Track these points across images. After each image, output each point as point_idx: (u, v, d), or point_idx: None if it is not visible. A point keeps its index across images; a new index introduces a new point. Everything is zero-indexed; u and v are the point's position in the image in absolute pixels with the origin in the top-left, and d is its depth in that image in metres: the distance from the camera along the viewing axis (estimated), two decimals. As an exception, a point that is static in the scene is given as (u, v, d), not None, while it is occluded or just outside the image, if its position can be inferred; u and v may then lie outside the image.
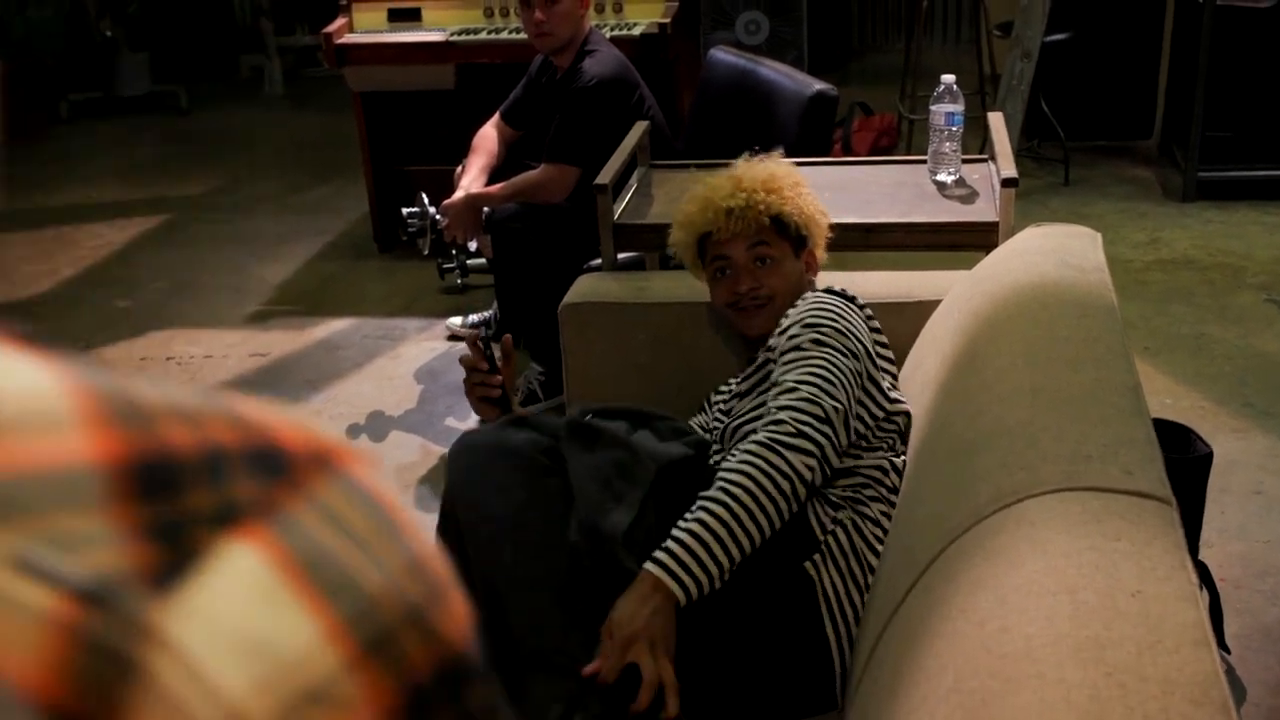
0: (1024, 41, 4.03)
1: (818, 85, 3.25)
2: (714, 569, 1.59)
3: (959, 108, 2.45)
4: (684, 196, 2.09)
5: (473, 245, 3.57)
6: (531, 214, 3.26)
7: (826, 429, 1.66)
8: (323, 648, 0.32)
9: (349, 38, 4.22)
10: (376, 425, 3.38)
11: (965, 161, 2.53)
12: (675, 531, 1.62)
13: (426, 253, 3.50)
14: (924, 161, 2.58)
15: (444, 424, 3.38)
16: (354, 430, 3.36)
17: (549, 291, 3.19)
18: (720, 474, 1.65)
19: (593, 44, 3.33)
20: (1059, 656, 1.07)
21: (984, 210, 2.36)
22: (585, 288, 2.32)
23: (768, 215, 1.99)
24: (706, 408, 2.14)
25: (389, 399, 3.51)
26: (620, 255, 3.15)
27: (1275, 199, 4.46)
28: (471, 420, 3.29)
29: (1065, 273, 1.86)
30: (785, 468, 1.62)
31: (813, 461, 1.64)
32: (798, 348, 1.77)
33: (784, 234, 2.02)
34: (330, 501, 0.35)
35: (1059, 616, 1.12)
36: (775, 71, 3.50)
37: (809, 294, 1.93)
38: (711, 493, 1.63)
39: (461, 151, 4.26)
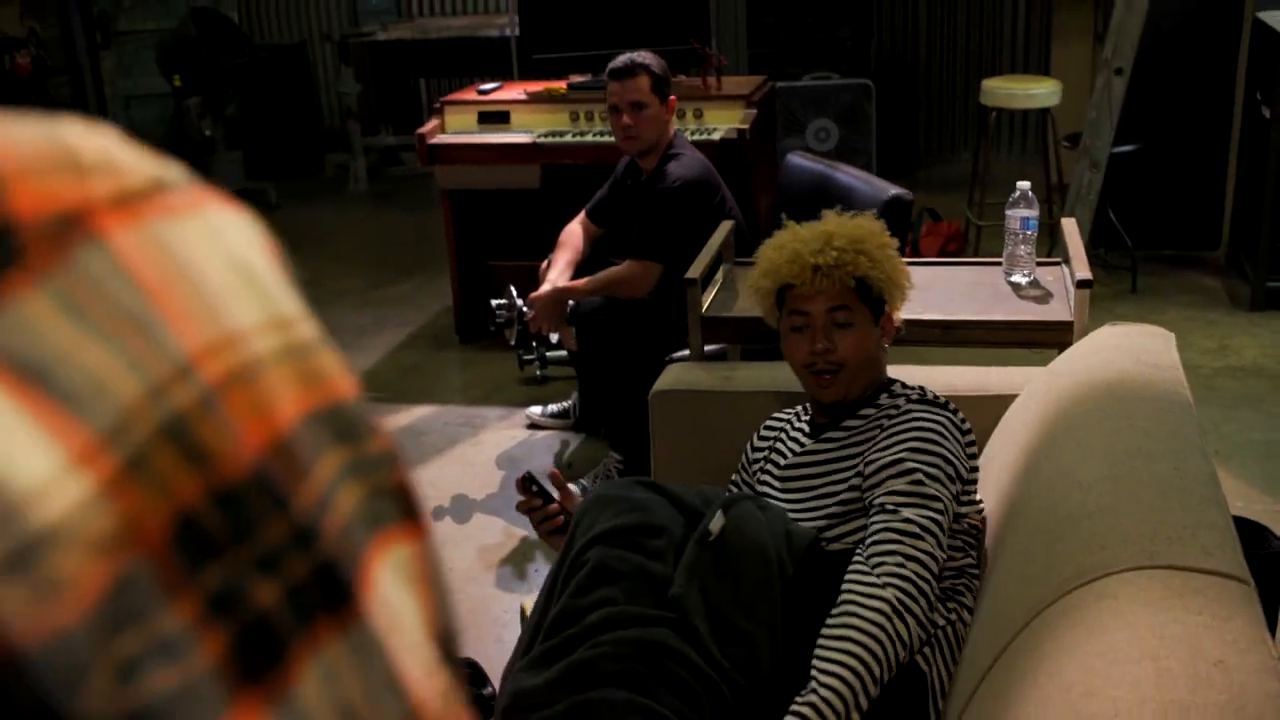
0: (1092, 152, 4.14)
1: (894, 190, 3.38)
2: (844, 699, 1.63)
3: (1034, 213, 2.56)
4: (771, 241, 2.10)
5: (554, 337, 3.70)
6: (615, 308, 3.39)
7: (933, 583, 1.72)
8: (66, 474, 0.26)
9: (440, 138, 4.43)
10: (460, 508, 3.49)
11: (1039, 264, 2.63)
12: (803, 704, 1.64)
13: (513, 343, 3.64)
14: (998, 264, 2.69)
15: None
16: (439, 513, 3.47)
17: (630, 382, 3.32)
18: (848, 635, 1.65)
19: (677, 147, 3.49)
20: (1144, 718, 1.15)
21: (1058, 310, 2.45)
22: (674, 376, 2.43)
23: (854, 276, 1.98)
24: (745, 465, 2.17)
25: (471, 483, 3.63)
26: (706, 347, 3.28)
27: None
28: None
29: (1141, 370, 1.94)
30: (906, 636, 1.66)
31: (923, 625, 1.69)
32: (917, 484, 1.77)
33: (865, 298, 2.01)
34: (71, 287, 0.28)
35: (1144, 682, 1.19)
36: (851, 176, 3.63)
37: (914, 403, 1.93)
38: (838, 659, 1.64)
39: (545, 248, 4.43)
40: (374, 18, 7.36)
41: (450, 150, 4.39)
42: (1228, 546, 1.45)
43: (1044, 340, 2.39)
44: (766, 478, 2.08)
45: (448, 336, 4.78)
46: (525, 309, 3.51)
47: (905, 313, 2.14)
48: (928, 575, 1.70)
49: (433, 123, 4.50)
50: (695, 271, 2.58)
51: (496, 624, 2.94)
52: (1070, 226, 2.65)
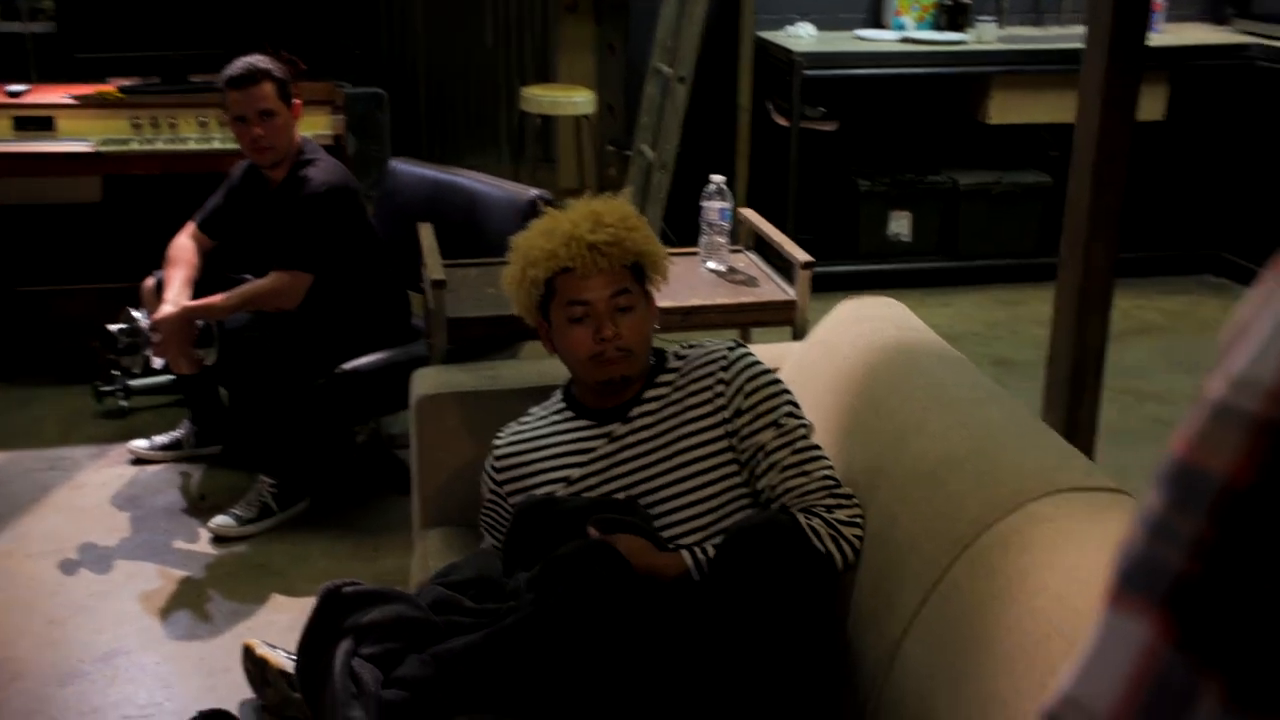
0: (662, 155, 4.47)
1: (534, 191, 3.47)
2: None
3: (729, 204, 2.77)
4: (535, 228, 2.00)
5: (156, 362, 3.38)
6: (267, 322, 3.18)
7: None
8: None
9: (-24, 147, 3.87)
10: (95, 559, 3.10)
11: (732, 252, 2.86)
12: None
13: (137, 370, 3.28)
14: (691, 254, 2.88)
15: (174, 546, 3.17)
16: (69, 567, 3.06)
17: (283, 402, 3.15)
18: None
19: (309, 153, 3.33)
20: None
21: (777, 291, 2.68)
22: (435, 380, 2.36)
23: (632, 253, 1.95)
24: (499, 502, 2.09)
25: (94, 531, 3.23)
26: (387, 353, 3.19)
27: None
28: (203, 541, 3.14)
29: (907, 333, 2.21)
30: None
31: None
32: (801, 427, 1.93)
33: (639, 278, 1.99)
34: None
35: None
36: (474, 180, 3.67)
37: (715, 350, 1.97)
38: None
39: (111, 267, 4.04)
40: None
41: (-8, 160, 3.85)
42: (1093, 468, 1.72)
43: (775, 319, 2.60)
44: (572, 484, 1.99)
45: (-17, 374, 4.17)
46: (151, 333, 3.19)
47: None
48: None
49: (-41, 130, 3.92)
50: (438, 273, 2.52)
51: (216, 671, 2.67)
52: (756, 216, 2.90)
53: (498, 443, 2.10)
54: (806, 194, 5.07)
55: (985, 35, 5.19)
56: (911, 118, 5.49)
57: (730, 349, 2.00)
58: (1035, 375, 4.10)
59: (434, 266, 2.58)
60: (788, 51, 4.95)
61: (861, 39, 5.20)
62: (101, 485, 3.48)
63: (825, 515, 1.82)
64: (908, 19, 5.36)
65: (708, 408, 1.95)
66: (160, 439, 3.65)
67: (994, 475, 1.69)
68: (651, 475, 1.95)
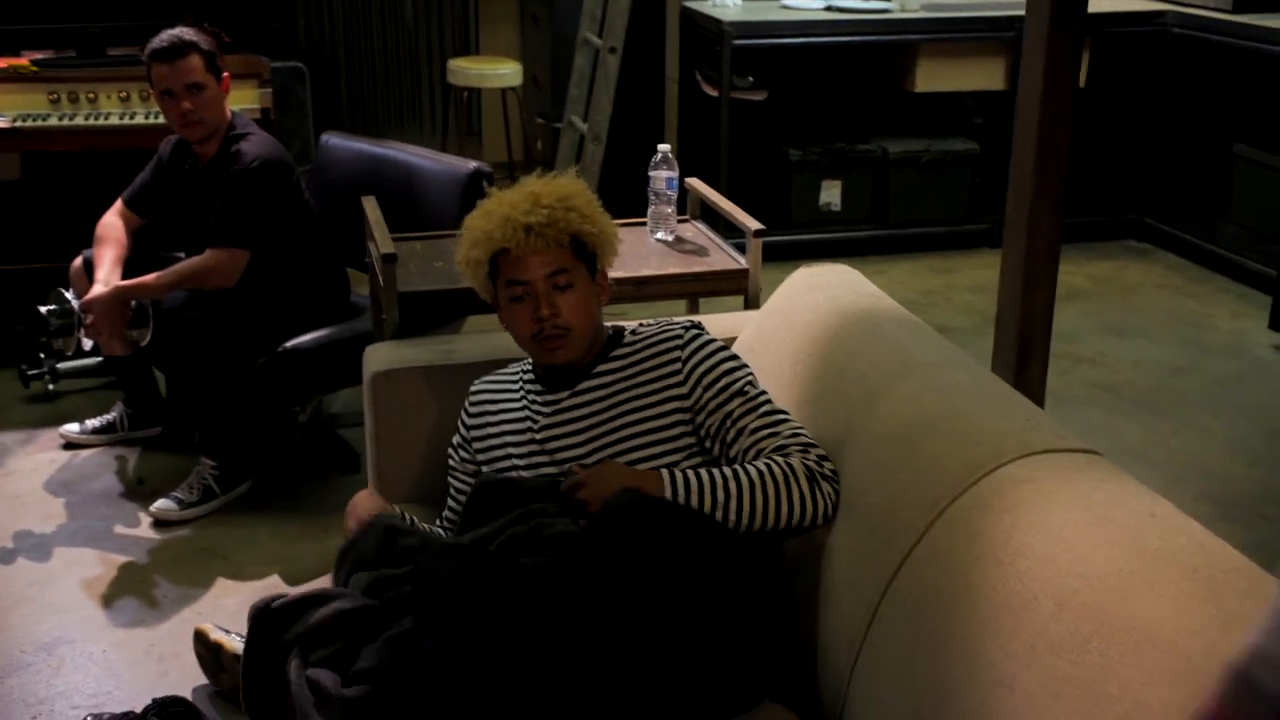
0: (594, 127, 4.45)
1: (472, 164, 3.42)
2: (717, 495, 1.80)
3: (675, 173, 2.76)
4: (478, 210, 2.01)
5: (87, 344, 3.29)
6: (204, 301, 3.11)
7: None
8: None
9: (-114, 124, 3.72)
10: (34, 548, 3.02)
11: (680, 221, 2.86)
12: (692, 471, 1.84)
13: (70, 352, 3.19)
14: (639, 224, 2.86)
15: (115, 530, 3.10)
16: (5, 556, 2.98)
17: (223, 382, 3.09)
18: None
19: (240, 127, 3.25)
20: (1142, 567, 1.38)
21: (727, 261, 2.68)
22: (388, 355, 2.33)
23: (568, 233, 1.95)
24: (464, 443, 2.12)
25: (29, 518, 3.14)
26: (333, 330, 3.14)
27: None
28: (145, 525, 3.08)
29: (865, 300, 2.22)
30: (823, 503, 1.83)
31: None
32: (764, 395, 1.94)
33: (581, 255, 1.98)
34: None
35: (1116, 539, 1.42)
36: (409, 154, 3.61)
37: (671, 328, 1.98)
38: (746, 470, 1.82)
39: (33, 246, 3.92)
40: None
41: (-99, 138, 3.70)
42: (1063, 430, 1.75)
43: (727, 288, 2.60)
44: (515, 448, 2.02)
45: (-103, 361, 4.03)
46: (82, 314, 3.10)
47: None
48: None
49: None
50: (388, 247, 2.48)
51: (166, 658, 2.61)
52: (703, 185, 2.89)
53: (474, 388, 2.14)
54: (737, 164, 5.08)
55: (910, 3, 5.23)
56: (840, 87, 5.53)
57: (686, 328, 2.00)
58: (971, 342, 4.18)
59: (383, 240, 2.53)
60: (716, 21, 4.94)
61: (788, 8, 5.21)
62: (33, 471, 3.38)
63: (802, 457, 1.84)
64: (828, -11, 5.37)
65: (661, 383, 1.95)
66: (93, 422, 3.55)
67: (969, 437, 1.70)
68: (595, 448, 1.95)
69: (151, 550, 3.03)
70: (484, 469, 2.07)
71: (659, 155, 2.75)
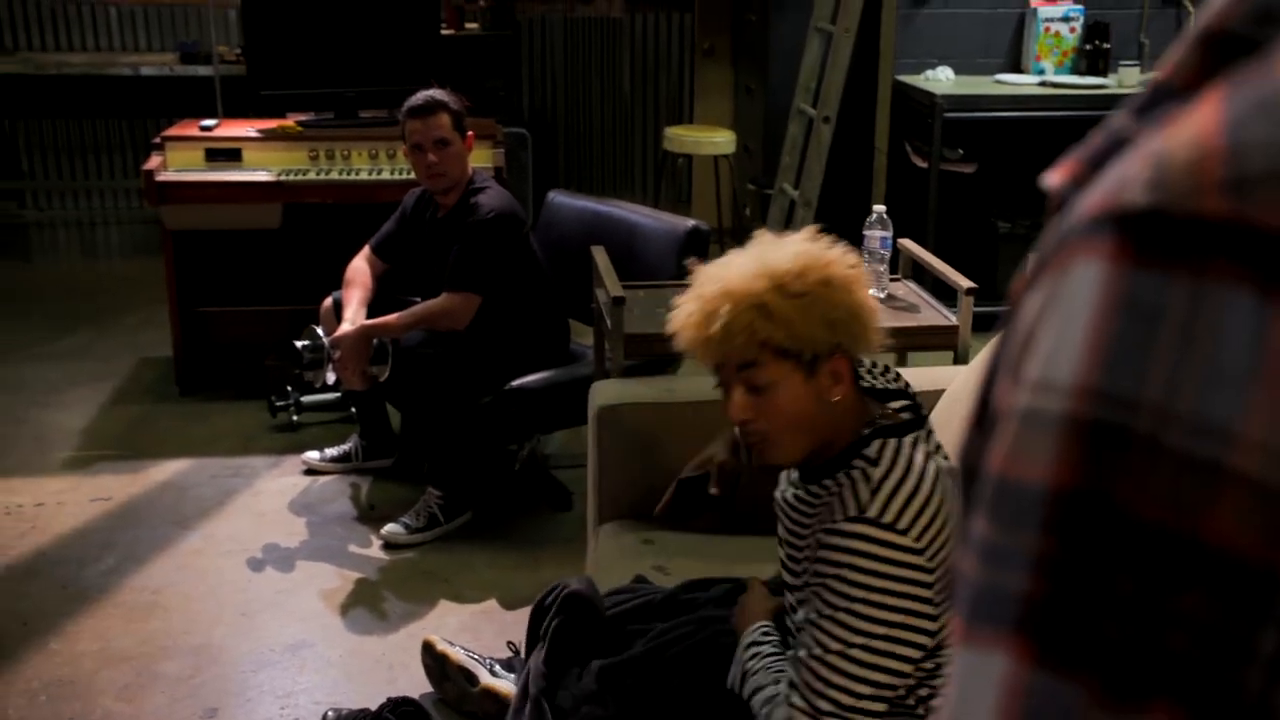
0: (805, 193, 4.61)
1: (690, 221, 3.62)
2: (745, 685, 1.80)
3: (889, 233, 2.89)
4: (691, 293, 1.73)
5: (330, 378, 3.59)
6: (440, 341, 3.37)
7: None
8: None
9: (169, 175, 4.15)
10: (280, 560, 3.31)
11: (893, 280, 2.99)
12: (768, 643, 1.83)
13: (318, 385, 3.49)
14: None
15: (349, 549, 3.37)
16: (255, 565, 3.27)
17: (452, 417, 3.33)
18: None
19: (480, 181, 3.53)
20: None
21: (937, 317, 2.79)
22: (613, 392, 2.51)
23: (756, 343, 1.64)
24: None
25: (274, 533, 3.45)
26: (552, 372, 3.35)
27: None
28: (375, 547, 3.32)
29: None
30: None
31: None
32: (830, 608, 1.62)
33: (783, 355, 1.66)
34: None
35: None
36: (630, 211, 3.83)
37: (844, 504, 1.64)
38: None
39: (288, 290, 4.29)
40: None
41: (182, 189, 4.13)
42: None
43: (937, 343, 2.71)
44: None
45: (163, 389, 4.44)
46: (331, 349, 3.40)
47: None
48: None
49: (156, 159, 4.21)
50: (617, 290, 2.68)
51: (395, 666, 2.84)
52: (915, 246, 3.02)
53: None
54: (944, 235, 5.15)
55: (1127, 79, 5.23)
56: (1051, 161, 5.53)
57: (853, 514, 1.63)
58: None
59: (613, 284, 2.73)
60: (929, 94, 5.04)
61: (1001, 83, 5.28)
62: (279, 492, 3.70)
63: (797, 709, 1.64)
64: (1047, 64, 5.42)
65: (809, 545, 1.72)
66: (331, 451, 3.86)
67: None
68: (786, 570, 1.84)
69: (381, 569, 3.28)
70: None
71: (874, 216, 2.88)
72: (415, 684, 2.72)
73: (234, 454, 3.95)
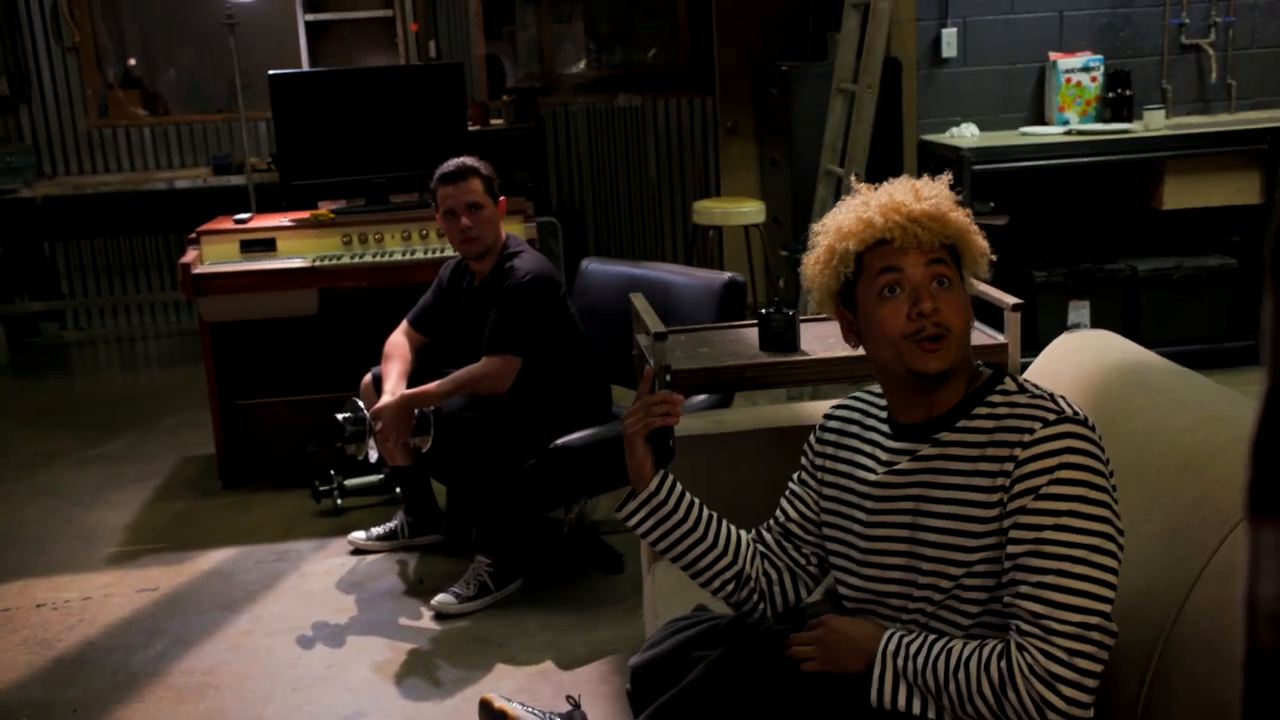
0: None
1: (726, 275, 3.59)
2: (927, 682, 1.64)
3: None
4: (844, 206, 1.77)
5: (373, 455, 3.56)
6: (482, 405, 3.34)
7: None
8: None
9: (205, 267, 4.18)
10: (329, 636, 3.24)
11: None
12: (920, 647, 1.67)
13: (361, 458, 3.46)
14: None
15: (399, 622, 3.30)
16: (305, 642, 3.21)
17: (498, 481, 3.28)
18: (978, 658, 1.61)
19: (514, 246, 3.53)
20: None
21: (984, 337, 2.74)
22: (663, 427, 2.45)
23: (954, 231, 1.72)
24: (810, 472, 1.94)
25: (323, 611, 3.38)
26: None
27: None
28: (426, 618, 3.25)
29: (1130, 355, 2.23)
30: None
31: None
32: (1051, 517, 1.58)
33: (956, 260, 1.74)
34: None
35: None
36: (664, 272, 3.81)
37: (1041, 408, 1.64)
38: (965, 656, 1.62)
39: (326, 378, 4.28)
40: (14, 175, 6.77)
41: (218, 280, 4.15)
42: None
43: (988, 359, 2.65)
44: (848, 498, 1.84)
45: (206, 484, 4.43)
46: (372, 422, 3.37)
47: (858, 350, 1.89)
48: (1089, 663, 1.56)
49: (191, 254, 4.25)
50: (659, 327, 2.65)
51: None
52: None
53: (829, 413, 1.96)
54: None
55: (1153, 123, 5.22)
56: (1083, 209, 5.51)
57: (1049, 420, 1.63)
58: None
59: (653, 323, 2.70)
60: (955, 149, 5.04)
61: (1027, 134, 5.28)
62: (326, 573, 3.64)
63: (1025, 660, 1.57)
64: (1071, 114, 5.43)
65: (993, 481, 1.65)
66: (377, 530, 3.81)
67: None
68: (909, 537, 1.75)
69: (433, 639, 3.20)
70: (823, 503, 1.91)
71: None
72: (474, 748, 2.63)
73: (279, 540, 3.91)
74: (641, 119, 7.08)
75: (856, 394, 1.96)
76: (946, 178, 1.80)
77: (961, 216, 1.75)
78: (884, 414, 1.85)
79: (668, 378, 1.93)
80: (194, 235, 4.31)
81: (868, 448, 1.84)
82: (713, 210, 5.52)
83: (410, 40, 6.67)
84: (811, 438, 1.98)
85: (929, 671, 1.65)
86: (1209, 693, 1.56)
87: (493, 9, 7.20)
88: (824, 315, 1.89)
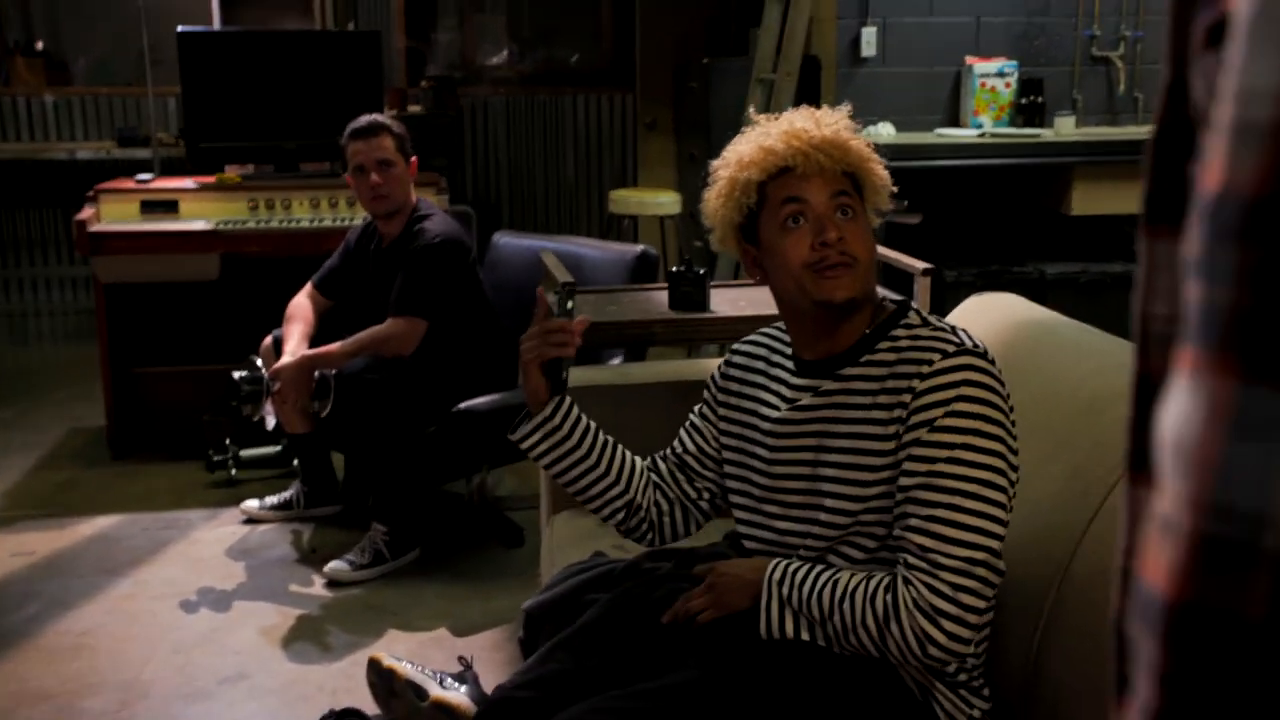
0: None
1: (639, 247, 3.56)
2: (813, 611, 1.61)
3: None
4: (747, 135, 1.72)
5: (270, 421, 3.45)
6: (385, 367, 3.25)
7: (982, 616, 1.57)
8: None
9: (102, 226, 4.04)
10: (215, 601, 3.12)
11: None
12: (803, 577, 1.63)
13: (257, 419, 3.35)
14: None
15: (290, 588, 3.19)
16: (190, 606, 3.09)
17: (399, 446, 3.20)
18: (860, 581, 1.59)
19: (425, 209, 3.46)
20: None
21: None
22: (576, 378, 2.40)
23: (855, 158, 1.68)
24: (711, 405, 1.90)
25: (210, 577, 3.26)
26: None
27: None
28: (318, 585, 3.15)
29: (1038, 314, 2.23)
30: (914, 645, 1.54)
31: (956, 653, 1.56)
32: (946, 449, 1.54)
33: (859, 191, 1.69)
34: None
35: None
36: (576, 245, 3.77)
37: (942, 340, 1.61)
38: (849, 582, 1.60)
39: (225, 349, 4.15)
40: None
41: (116, 239, 4.01)
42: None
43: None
44: (750, 434, 1.80)
45: (94, 453, 4.27)
46: (270, 381, 3.27)
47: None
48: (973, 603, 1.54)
49: (89, 210, 4.10)
50: (567, 277, 2.59)
51: (339, 691, 2.65)
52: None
53: (735, 348, 1.92)
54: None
55: (1064, 129, 5.30)
56: (994, 212, 5.58)
57: (948, 353, 1.59)
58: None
59: (562, 273, 2.65)
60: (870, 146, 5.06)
61: (942, 135, 5.33)
62: (216, 541, 3.52)
63: (910, 594, 1.54)
64: (985, 118, 5.49)
65: (892, 414, 1.61)
66: (271, 499, 3.69)
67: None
68: (810, 473, 1.71)
69: (323, 605, 3.10)
70: (724, 439, 1.86)
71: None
72: (361, 707, 2.54)
73: (168, 509, 3.77)
74: (560, 113, 7.04)
75: (765, 329, 1.91)
76: (847, 108, 1.76)
77: (862, 145, 1.71)
78: (789, 350, 1.80)
79: (569, 305, 1.85)
80: (92, 193, 4.16)
81: (773, 384, 1.80)
82: (629, 199, 5.48)
83: (329, 16, 6.55)
84: (716, 373, 1.93)
85: (814, 600, 1.61)
86: (1104, 620, 1.54)
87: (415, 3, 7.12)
88: (726, 250, 1.85)
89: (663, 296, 2.85)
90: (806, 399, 1.72)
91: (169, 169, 5.58)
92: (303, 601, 3.12)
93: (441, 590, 3.18)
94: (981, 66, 5.48)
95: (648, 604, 1.79)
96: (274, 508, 3.68)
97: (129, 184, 4.24)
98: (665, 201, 5.48)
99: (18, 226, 6.83)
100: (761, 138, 1.70)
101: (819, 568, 1.65)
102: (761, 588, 1.66)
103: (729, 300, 2.81)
